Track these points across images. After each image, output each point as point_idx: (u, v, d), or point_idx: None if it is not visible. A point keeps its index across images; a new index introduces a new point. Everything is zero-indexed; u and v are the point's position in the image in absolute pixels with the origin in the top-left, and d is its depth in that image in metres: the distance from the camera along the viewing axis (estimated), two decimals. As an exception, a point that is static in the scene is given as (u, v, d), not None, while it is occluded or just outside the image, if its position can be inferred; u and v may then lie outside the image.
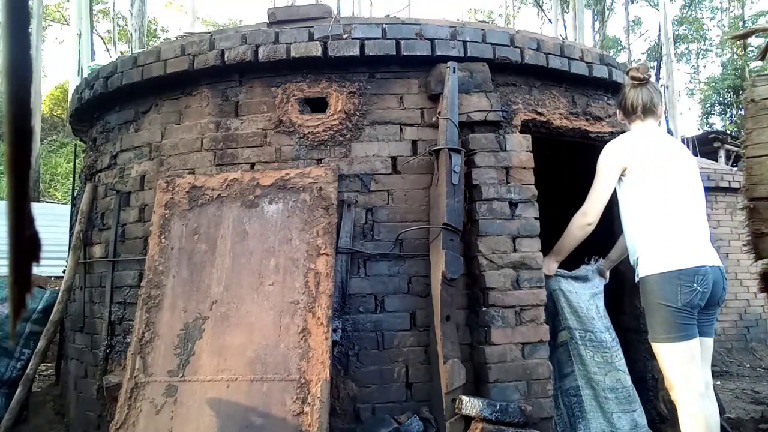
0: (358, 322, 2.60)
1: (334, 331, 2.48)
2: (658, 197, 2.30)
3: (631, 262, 2.42)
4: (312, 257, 2.51)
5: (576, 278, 2.87)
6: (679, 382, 2.17)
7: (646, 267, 2.27)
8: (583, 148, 3.30)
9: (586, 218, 2.50)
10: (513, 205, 2.70)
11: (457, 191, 2.57)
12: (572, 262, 2.89)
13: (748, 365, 5.92)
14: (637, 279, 2.35)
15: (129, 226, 3.08)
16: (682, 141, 10.32)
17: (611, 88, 3.26)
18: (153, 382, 2.39)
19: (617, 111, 2.63)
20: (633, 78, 2.55)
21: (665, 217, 2.26)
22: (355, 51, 2.72)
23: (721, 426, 3.39)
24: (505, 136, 2.77)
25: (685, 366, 2.17)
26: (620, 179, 2.43)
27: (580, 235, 2.56)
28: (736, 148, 9.25)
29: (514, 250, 2.65)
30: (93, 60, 12.65)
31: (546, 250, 2.77)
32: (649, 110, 2.50)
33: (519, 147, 2.77)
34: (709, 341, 2.33)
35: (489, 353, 2.53)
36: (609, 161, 2.44)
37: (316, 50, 2.71)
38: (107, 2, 24.40)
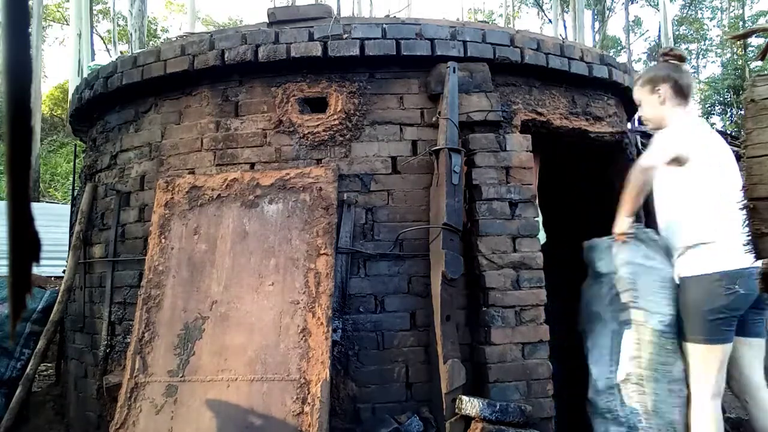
0: (358, 322, 2.60)
1: (334, 331, 2.48)
2: (711, 193, 2.18)
3: (673, 257, 2.29)
4: (312, 257, 2.51)
5: (655, 242, 2.42)
6: (703, 381, 2.15)
7: (688, 266, 2.20)
8: (583, 148, 3.30)
9: (646, 161, 2.28)
10: (513, 205, 2.70)
11: (457, 191, 2.57)
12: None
13: (748, 365, 5.90)
14: (677, 278, 2.28)
15: (129, 226, 3.08)
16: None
17: (611, 88, 3.26)
18: (153, 382, 2.39)
19: (660, 88, 2.35)
20: (682, 58, 2.42)
21: (716, 214, 2.16)
22: (355, 51, 2.71)
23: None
24: (505, 136, 2.77)
25: (714, 369, 2.13)
26: (672, 169, 2.26)
27: (642, 179, 2.28)
28: (736, 148, 9.23)
29: (514, 250, 2.65)
30: (93, 60, 12.65)
31: (544, 250, 2.77)
32: (690, 97, 2.38)
33: (519, 147, 2.77)
34: (760, 341, 2.27)
35: (489, 353, 2.53)
36: (666, 147, 2.25)
37: (316, 50, 2.71)
38: (107, 2, 24.42)
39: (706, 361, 2.15)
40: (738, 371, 2.26)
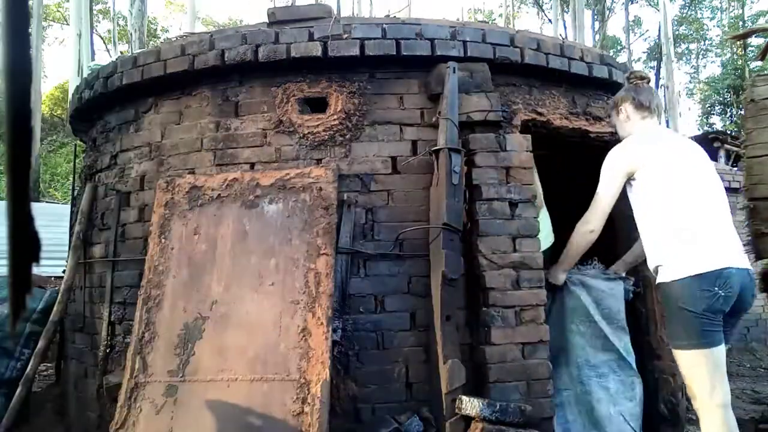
0: (358, 322, 2.60)
1: (334, 331, 2.48)
2: (674, 200, 2.19)
3: (650, 269, 2.32)
4: (312, 257, 2.51)
5: (610, 278, 2.80)
6: (702, 392, 2.06)
7: (666, 273, 2.17)
8: (583, 148, 3.29)
9: (588, 226, 2.46)
10: (513, 205, 2.70)
11: (457, 191, 2.57)
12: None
13: (748, 365, 5.91)
14: (656, 284, 2.28)
15: (129, 226, 3.08)
16: (682, 141, 10.27)
17: (611, 88, 3.25)
18: (153, 382, 2.39)
19: (621, 108, 2.51)
20: (642, 77, 2.57)
21: (683, 219, 2.15)
22: (355, 51, 2.71)
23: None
24: (505, 136, 2.77)
25: (709, 375, 2.05)
26: (631, 183, 2.34)
27: (584, 243, 2.51)
28: (736, 148, 9.24)
29: (515, 250, 2.65)
30: (93, 60, 12.65)
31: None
32: (655, 110, 2.46)
33: (519, 147, 2.77)
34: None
35: (489, 353, 2.53)
36: (613, 168, 2.37)
37: (316, 50, 2.71)
38: (107, 2, 24.42)
39: (696, 368, 2.08)
40: None
